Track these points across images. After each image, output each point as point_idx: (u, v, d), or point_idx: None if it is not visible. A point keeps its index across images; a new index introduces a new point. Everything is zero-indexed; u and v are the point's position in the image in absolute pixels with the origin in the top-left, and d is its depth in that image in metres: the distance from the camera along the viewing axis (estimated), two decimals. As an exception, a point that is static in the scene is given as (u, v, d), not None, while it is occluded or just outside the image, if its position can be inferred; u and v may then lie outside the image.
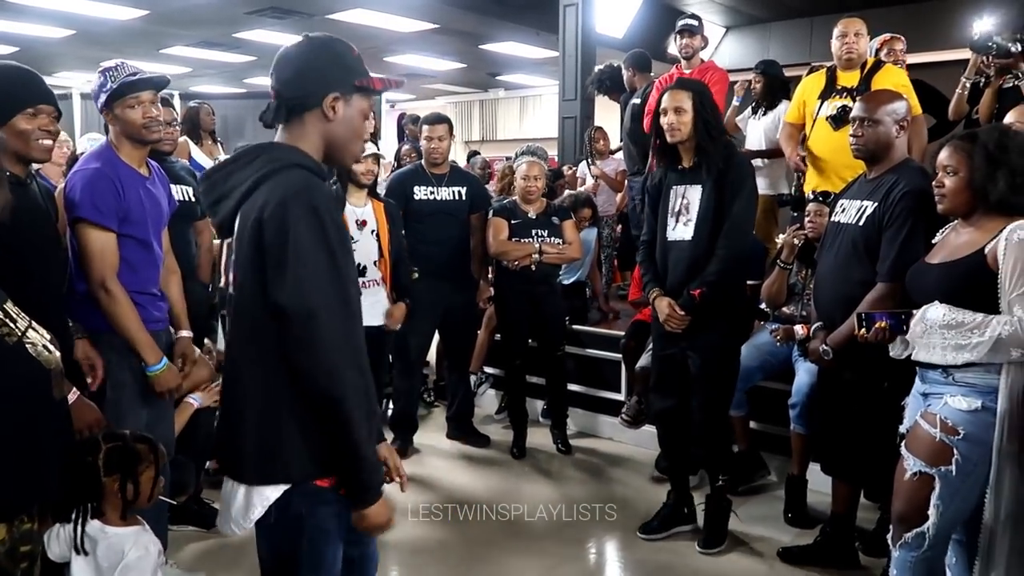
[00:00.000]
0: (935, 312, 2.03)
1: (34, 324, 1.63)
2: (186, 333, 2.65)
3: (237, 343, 1.56)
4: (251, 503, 1.52)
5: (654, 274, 3.08)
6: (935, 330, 2.02)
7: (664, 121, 2.92)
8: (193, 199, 3.42)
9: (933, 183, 2.19)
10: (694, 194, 2.93)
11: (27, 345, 1.57)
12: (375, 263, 3.63)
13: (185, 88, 11.82)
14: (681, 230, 2.96)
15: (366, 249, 3.60)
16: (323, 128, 1.56)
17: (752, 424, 3.65)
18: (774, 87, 4.86)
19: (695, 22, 4.61)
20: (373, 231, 3.66)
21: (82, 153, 3.64)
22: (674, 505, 3.22)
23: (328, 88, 1.54)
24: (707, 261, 2.90)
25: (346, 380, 1.46)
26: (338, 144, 1.59)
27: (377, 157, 3.95)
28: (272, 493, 1.51)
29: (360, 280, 3.18)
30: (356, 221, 3.62)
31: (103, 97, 2.34)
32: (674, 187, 2.99)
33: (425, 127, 4.02)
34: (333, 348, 1.45)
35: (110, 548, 1.79)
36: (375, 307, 3.57)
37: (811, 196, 3.40)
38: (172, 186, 2.88)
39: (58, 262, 2.23)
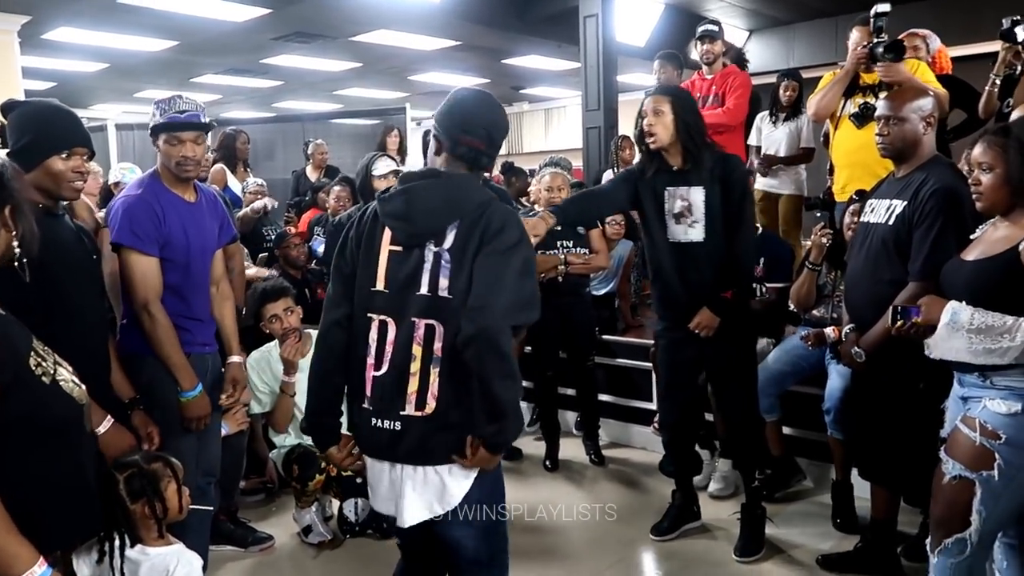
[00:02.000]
0: (964, 315, 1.98)
1: (58, 359, 1.66)
2: (237, 358, 2.70)
3: (449, 345, 1.72)
4: (468, 476, 1.78)
5: None
6: (961, 334, 1.97)
7: (644, 124, 2.91)
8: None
9: (969, 181, 2.13)
10: (696, 195, 2.91)
11: (60, 382, 1.60)
12: None
13: (216, 115, 12.09)
14: (688, 231, 2.93)
15: None
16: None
17: (786, 429, 3.60)
18: (799, 96, 4.84)
19: (715, 27, 4.60)
20: None
21: (115, 183, 3.75)
22: (681, 505, 3.24)
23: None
24: (721, 261, 2.90)
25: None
26: None
27: (397, 173, 4.02)
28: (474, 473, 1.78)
29: None
30: None
31: (150, 127, 2.43)
32: (668, 188, 2.95)
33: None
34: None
35: (153, 569, 1.81)
36: None
37: (853, 198, 3.34)
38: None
39: (94, 291, 2.27)
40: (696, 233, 2.92)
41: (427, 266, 1.74)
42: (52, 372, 1.57)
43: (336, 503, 3.45)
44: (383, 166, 3.67)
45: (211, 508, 2.59)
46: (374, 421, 1.79)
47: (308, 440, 3.31)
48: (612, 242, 4.63)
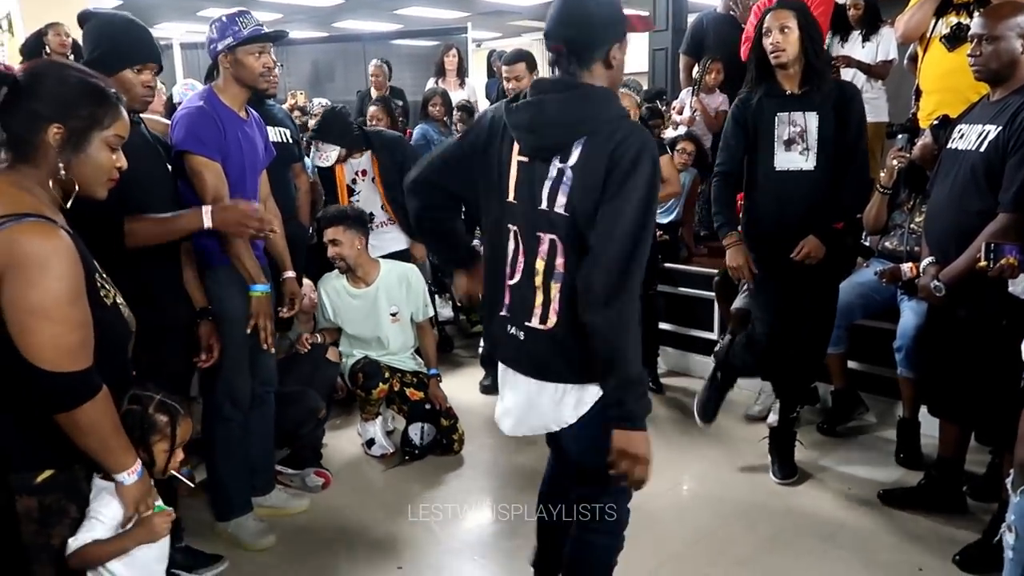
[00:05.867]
0: None
1: (113, 284, 1.65)
2: (290, 273, 2.75)
3: (573, 261, 1.68)
4: (582, 400, 1.74)
5: (732, 215, 2.97)
6: None
7: (768, 42, 2.77)
8: (291, 141, 3.51)
9: None
10: (810, 121, 2.78)
11: (120, 305, 1.62)
12: (381, 208, 3.90)
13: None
14: (797, 159, 2.81)
15: (370, 197, 3.90)
16: (608, 76, 1.72)
17: (851, 363, 3.52)
18: (871, 12, 4.55)
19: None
20: (373, 179, 3.89)
21: (178, 103, 3.78)
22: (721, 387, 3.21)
23: (614, 38, 1.70)
24: (831, 190, 2.79)
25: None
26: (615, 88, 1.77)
27: (387, 103, 4.56)
28: (597, 390, 1.72)
29: (371, 224, 3.63)
30: (358, 171, 3.90)
31: (228, 40, 2.43)
32: (779, 114, 2.83)
33: (504, 67, 3.92)
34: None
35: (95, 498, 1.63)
36: (394, 242, 3.95)
37: (934, 123, 3.16)
38: (271, 128, 2.96)
39: (167, 196, 2.34)
40: (807, 162, 2.80)
41: (549, 181, 1.70)
42: (112, 294, 1.60)
43: (399, 419, 3.55)
44: (327, 152, 3.76)
45: (192, 484, 2.51)
46: (509, 327, 1.80)
47: (374, 353, 3.41)
48: (678, 171, 4.51)
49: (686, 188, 4.58)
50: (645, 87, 6.96)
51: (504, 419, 1.89)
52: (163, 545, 1.68)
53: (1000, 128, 2.38)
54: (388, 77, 6.33)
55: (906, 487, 2.92)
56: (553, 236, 1.70)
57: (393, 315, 3.45)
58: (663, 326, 4.31)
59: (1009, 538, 2.04)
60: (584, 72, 1.69)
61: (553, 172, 1.69)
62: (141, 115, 2.33)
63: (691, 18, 6.70)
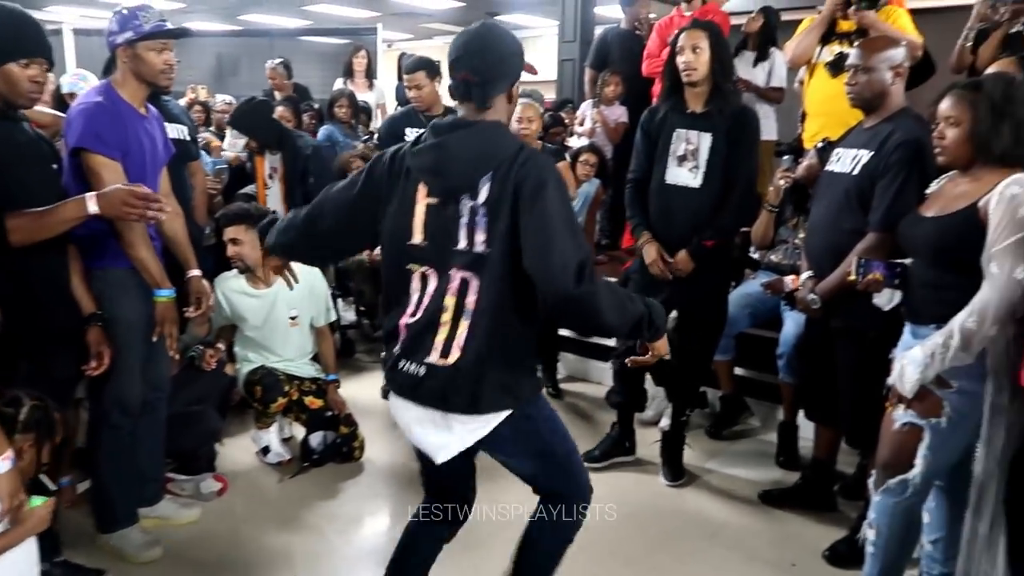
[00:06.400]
0: (915, 354, 2.00)
1: None
2: (196, 272, 2.68)
3: (490, 297, 1.72)
4: (483, 426, 1.79)
5: (644, 217, 3.10)
6: (917, 371, 2.00)
7: (681, 60, 2.90)
8: (188, 138, 3.41)
9: (934, 135, 2.14)
10: (703, 140, 2.93)
11: None
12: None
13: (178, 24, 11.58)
14: (686, 175, 2.96)
15: (278, 195, 4.10)
16: (507, 110, 1.80)
17: (737, 370, 3.70)
18: (767, 33, 4.77)
19: (697, -36, 4.50)
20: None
21: (68, 93, 3.61)
22: (617, 437, 3.37)
23: (517, 74, 1.78)
24: (712, 209, 2.93)
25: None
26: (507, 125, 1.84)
27: (295, 103, 4.70)
28: (499, 418, 1.79)
29: None
30: (273, 167, 4.01)
31: (129, 35, 2.34)
32: (678, 130, 2.97)
33: (405, 76, 3.87)
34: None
35: None
36: None
37: (818, 145, 3.36)
38: (169, 125, 2.87)
39: (52, 196, 2.22)
40: (694, 179, 2.94)
41: (463, 220, 1.72)
42: None
43: (295, 425, 3.49)
44: (233, 140, 3.81)
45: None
46: (402, 363, 1.82)
47: (271, 362, 3.34)
48: (580, 181, 4.63)
49: (589, 198, 4.69)
50: (553, 97, 7.09)
51: (423, 447, 1.89)
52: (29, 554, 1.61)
53: (872, 153, 2.55)
54: (288, 76, 6.17)
55: (784, 487, 3.09)
56: (466, 274, 1.73)
57: (292, 319, 3.39)
58: (563, 332, 4.40)
59: (870, 534, 2.22)
60: (489, 103, 1.74)
61: (465, 211, 1.72)
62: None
63: (597, 31, 6.89)
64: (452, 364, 1.74)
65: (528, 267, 1.66)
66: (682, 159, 2.96)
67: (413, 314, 1.80)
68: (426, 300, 1.79)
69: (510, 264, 1.69)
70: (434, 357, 1.76)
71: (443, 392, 1.77)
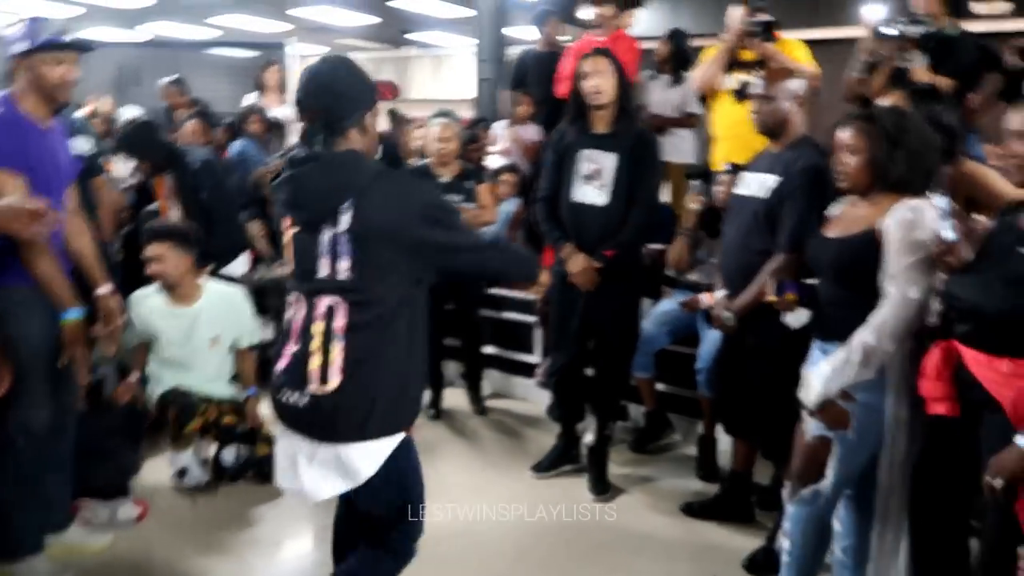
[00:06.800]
0: (821, 369, 2.12)
1: None
2: (106, 288, 2.56)
3: (363, 317, 1.74)
4: (376, 453, 1.78)
5: (562, 231, 3.18)
6: (821, 384, 2.11)
7: (588, 84, 3.01)
8: (92, 153, 3.28)
9: (836, 162, 2.25)
10: (608, 161, 3.06)
11: None
12: None
13: (74, 32, 11.06)
14: (592, 194, 3.08)
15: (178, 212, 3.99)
16: (363, 141, 1.81)
17: (659, 386, 3.80)
18: (679, 57, 4.92)
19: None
20: None
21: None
22: (562, 448, 3.47)
23: (364, 107, 1.80)
24: (619, 226, 3.06)
25: None
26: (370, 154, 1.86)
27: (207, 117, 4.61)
28: (391, 444, 1.80)
29: None
30: (171, 188, 3.87)
31: (25, 45, 2.26)
32: (583, 150, 3.09)
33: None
34: None
35: None
36: None
37: (726, 168, 3.50)
38: (74, 140, 2.77)
39: None
40: (599, 197, 3.06)
41: (325, 248, 1.75)
42: None
43: (213, 447, 3.37)
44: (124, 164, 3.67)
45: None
46: (284, 394, 1.81)
47: (187, 382, 3.22)
48: (500, 199, 4.67)
49: (509, 217, 4.74)
50: (470, 115, 7.14)
51: (295, 485, 1.85)
52: None
53: (777, 178, 2.69)
54: (182, 93, 5.94)
55: (704, 499, 3.19)
56: (332, 300, 1.76)
57: (213, 339, 3.28)
58: (488, 350, 4.42)
59: (785, 544, 2.32)
60: (340, 139, 1.77)
61: (326, 240, 1.74)
62: None
63: (512, 51, 7.00)
64: (333, 391, 1.75)
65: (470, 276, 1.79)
66: (589, 178, 3.09)
67: (294, 342, 1.82)
68: (298, 328, 1.81)
69: (381, 290, 1.75)
70: (314, 386, 1.76)
71: (331, 421, 1.76)
